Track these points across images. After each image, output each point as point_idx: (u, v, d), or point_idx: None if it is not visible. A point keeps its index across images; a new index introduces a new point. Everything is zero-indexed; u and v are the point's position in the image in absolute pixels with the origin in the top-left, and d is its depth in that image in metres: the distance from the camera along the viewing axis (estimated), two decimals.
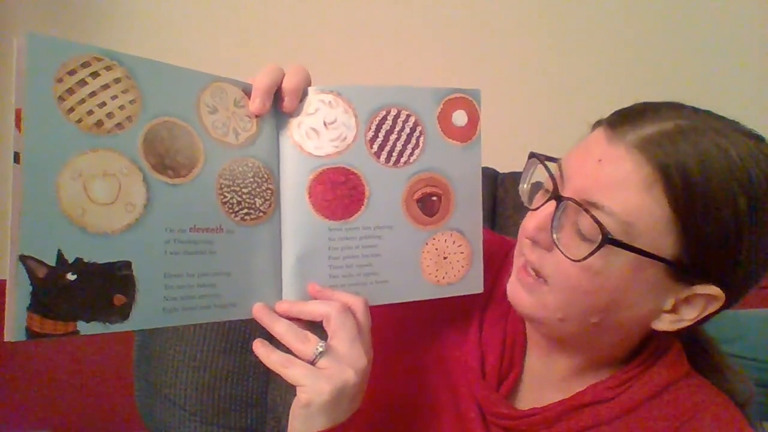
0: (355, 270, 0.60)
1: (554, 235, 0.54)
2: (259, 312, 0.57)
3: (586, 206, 0.52)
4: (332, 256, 0.60)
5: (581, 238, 0.53)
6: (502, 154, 1.02)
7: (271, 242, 0.59)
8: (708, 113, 0.55)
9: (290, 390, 0.92)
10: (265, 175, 0.58)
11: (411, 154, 0.61)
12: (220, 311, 0.55)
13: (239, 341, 0.95)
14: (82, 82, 0.47)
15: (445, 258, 0.63)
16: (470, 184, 0.63)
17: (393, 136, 0.61)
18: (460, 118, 0.62)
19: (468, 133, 0.63)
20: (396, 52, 1.33)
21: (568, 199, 0.53)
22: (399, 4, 1.33)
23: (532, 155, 0.59)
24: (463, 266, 0.64)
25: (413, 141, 0.61)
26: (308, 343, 0.54)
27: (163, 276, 0.51)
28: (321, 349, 0.54)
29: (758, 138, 0.54)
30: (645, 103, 0.56)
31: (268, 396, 0.96)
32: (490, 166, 1.08)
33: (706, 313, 0.54)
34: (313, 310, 0.57)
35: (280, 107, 0.59)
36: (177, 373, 0.93)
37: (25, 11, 1.34)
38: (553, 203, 0.55)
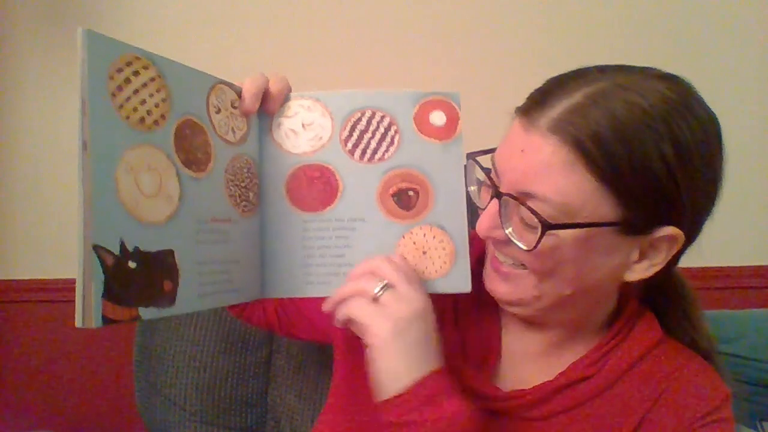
0: (329, 260, 0.65)
1: (506, 230, 0.56)
2: (328, 304, 0.61)
3: (522, 199, 0.54)
4: (307, 246, 0.65)
5: (528, 228, 0.55)
6: None
7: (259, 232, 0.65)
8: (615, 69, 0.55)
9: (289, 390, 0.95)
10: (254, 171, 0.64)
11: (386, 151, 0.65)
12: (233, 295, 0.60)
13: (239, 342, 0.94)
14: (128, 80, 0.49)
15: (424, 253, 0.64)
16: (452, 181, 0.65)
17: (367, 135, 0.66)
18: (438, 118, 0.66)
19: (447, 132, 0.65)
20: (396, 54, 1.33)
21: (506, 194, 0.55)
22: (399, 5, 1.34)
23: (468, 156, 0.65)
24: (445, 262, 0.64)
25: (388, 139, 0.65)
26: (371, 281, 0.57)
27: (196, 263, 0.55)
28: (384, 283, 0.56)
29: (671, 78, 0.55)
30: (551, 80, 0.57)
31: (268, 396, 0.96)
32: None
33: (673, 252, 0.56)
34: (360, 269, 0.60)
35: (264, 109, 0.65)
36: (177, 373, 0.91)
37: (25, 9, 1.23)
38: (496, 201, 0.57)
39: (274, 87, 0.65)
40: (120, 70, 0.49)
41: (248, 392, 0.95)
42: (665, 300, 0.66)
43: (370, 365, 0.55)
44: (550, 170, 0.52)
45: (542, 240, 0.52)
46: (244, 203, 0.62)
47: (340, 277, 0.64)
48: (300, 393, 0.96)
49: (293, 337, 0.80)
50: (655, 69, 0.56)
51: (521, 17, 1.35)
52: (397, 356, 0.54)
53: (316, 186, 0.66)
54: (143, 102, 0.51)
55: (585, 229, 0.53)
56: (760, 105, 1.36)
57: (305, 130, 0.67)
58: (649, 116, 0.51)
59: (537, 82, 0.58)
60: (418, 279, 0.60)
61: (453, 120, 0.66)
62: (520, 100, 0.58)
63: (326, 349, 0.95)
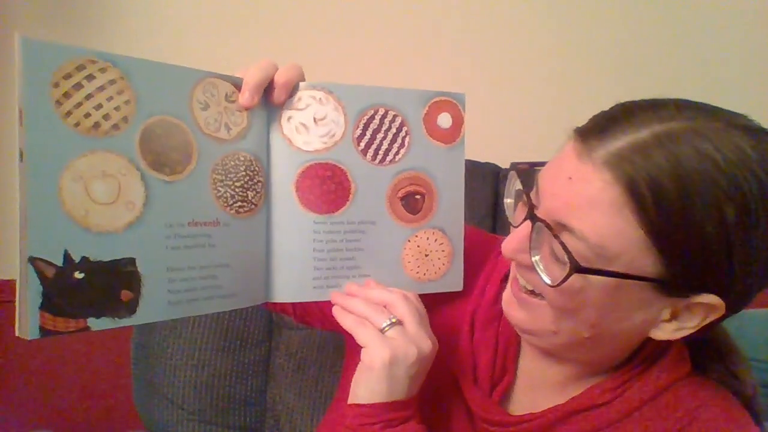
0: (339, 263, 0.62)
1: (533, 258, 0.52)
2: (335, 297, 0.61)
3: (557, 230, 0.49)
4: (317, 249, 0.62)
5: (556, 261, 0.50)
6: (504, 149, 1.02)
7: (262, 233, 0.61)
8: (697, 110, 0.49)
9: (289, 389, 0.95)
10: (256, 168, 0.60)
11: (396, 153, 0.63)
12: (222, 301, 0.57)
13: (238, 340, 0.95)
14: (78, 86, 0.48)
15: (426, 255, 0.65)
16: (454, 185, 0.65)
17: (380, 135, 0.62)
18: (444, 120, 0.64)
19: (452, 135, 0.64)
20: (402, 49, 1.31)
21: (541, 220, 0.51)
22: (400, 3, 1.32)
23: (512, 167, 0.58)
24: (443, 264, 0.65)
25: (399, 140, 0.63)
26: (382, 314, 0.57)
27: (166, 270, 0.53)
28: (393, 320, 0.56)
29: (760, 133, 0.48)
30: (621, 106, 0.51)
31: (267, 395, 0.96)
32: (492, 162, 1.07)
33: (708, 321, 0.51)
34: (377, 296, 0.59)
35: (270, 100, 0.60)
36: (175, 372, 0.93)
37: (24, 10, 1.31)
38: (528, 223, 0.52)
39: (281, 77, 0.59)
40: (68, 76, 0.47)
41: (247, 391, 0.94)
42: (704, 356, 0.60)
43: (356, 369, 0.57)
44: (594, 207, 0.48)
45: (568, 279, 0.49)
46: (239, 204, 0.59)
47: (349, 280, 0.63)
48: (299, 391, 0.93)
49: (307, 324, 0.78)
50: (745, 118, 0.49)
51: (528, 16, 1.32)
52: (380, 380, 0.55)
53: (328, 186, 0.62)
54: (98, 106, 0.49)
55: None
56: (760, 103, 1.19)
57: (317, 126, 0.61)
58: (719, 171, 0.45)
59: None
60: (428, 323, 0.60)
61: (458, 123, 0.65)
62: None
63: (326, 347, 0.94)
